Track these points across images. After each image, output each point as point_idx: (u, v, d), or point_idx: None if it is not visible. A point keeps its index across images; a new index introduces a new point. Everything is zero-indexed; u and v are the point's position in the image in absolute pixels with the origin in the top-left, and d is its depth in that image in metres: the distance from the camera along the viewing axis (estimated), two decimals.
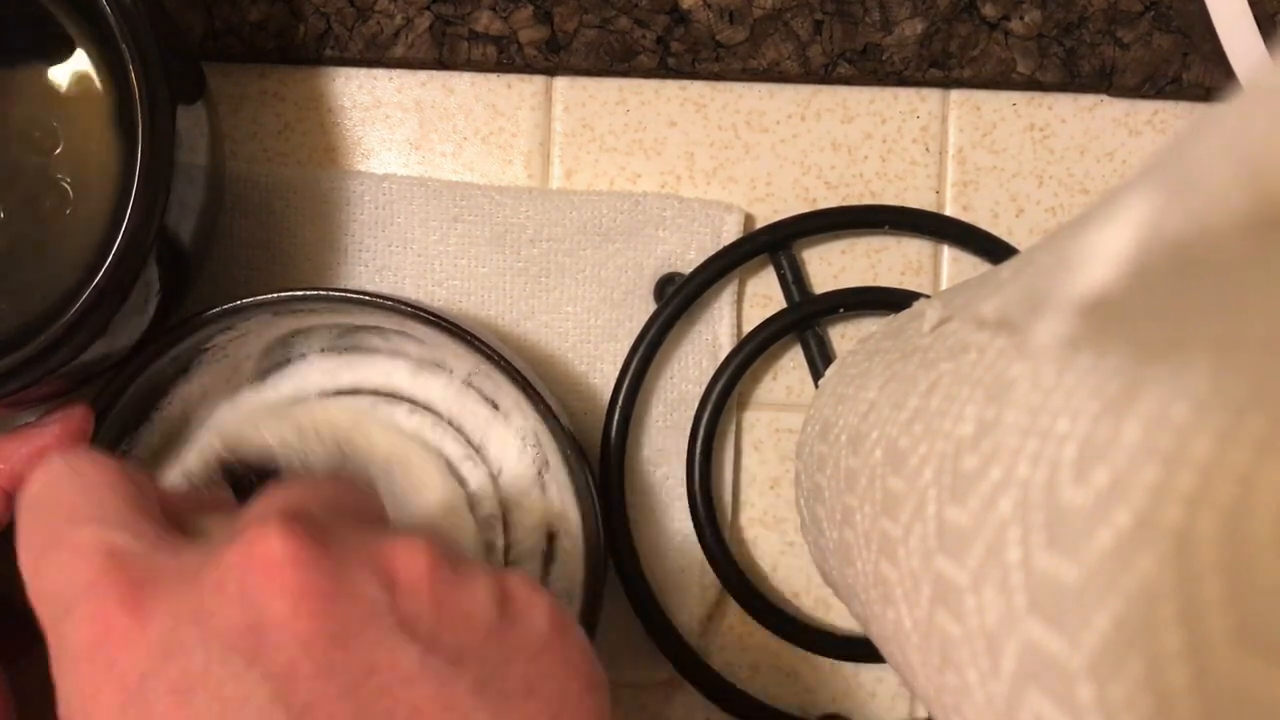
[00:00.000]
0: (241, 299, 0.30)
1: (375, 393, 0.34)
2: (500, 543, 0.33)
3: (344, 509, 0.23)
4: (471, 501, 0.33)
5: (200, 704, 0.18)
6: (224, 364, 0.33)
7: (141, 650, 0.19)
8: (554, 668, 0.21)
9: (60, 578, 0.20)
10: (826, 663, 0.36)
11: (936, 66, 0.36)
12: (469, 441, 0.34)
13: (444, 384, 0.34)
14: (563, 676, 0.21)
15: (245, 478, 0.32)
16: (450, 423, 0.34)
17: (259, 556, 0.19)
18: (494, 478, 0.34)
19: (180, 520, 0.23)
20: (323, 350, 0.34)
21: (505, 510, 0.33)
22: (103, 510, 0.21)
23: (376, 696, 0.19)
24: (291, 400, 0.34)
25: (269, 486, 0.23)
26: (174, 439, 0.33)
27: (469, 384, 0.34)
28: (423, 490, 0.32)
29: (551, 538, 0.33)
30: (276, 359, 0.34)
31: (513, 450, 0.34)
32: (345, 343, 0.34)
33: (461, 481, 0.34)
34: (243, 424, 0.32)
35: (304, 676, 0.18)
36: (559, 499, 0.33)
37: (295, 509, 0.21)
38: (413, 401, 0.34)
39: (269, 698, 0.18)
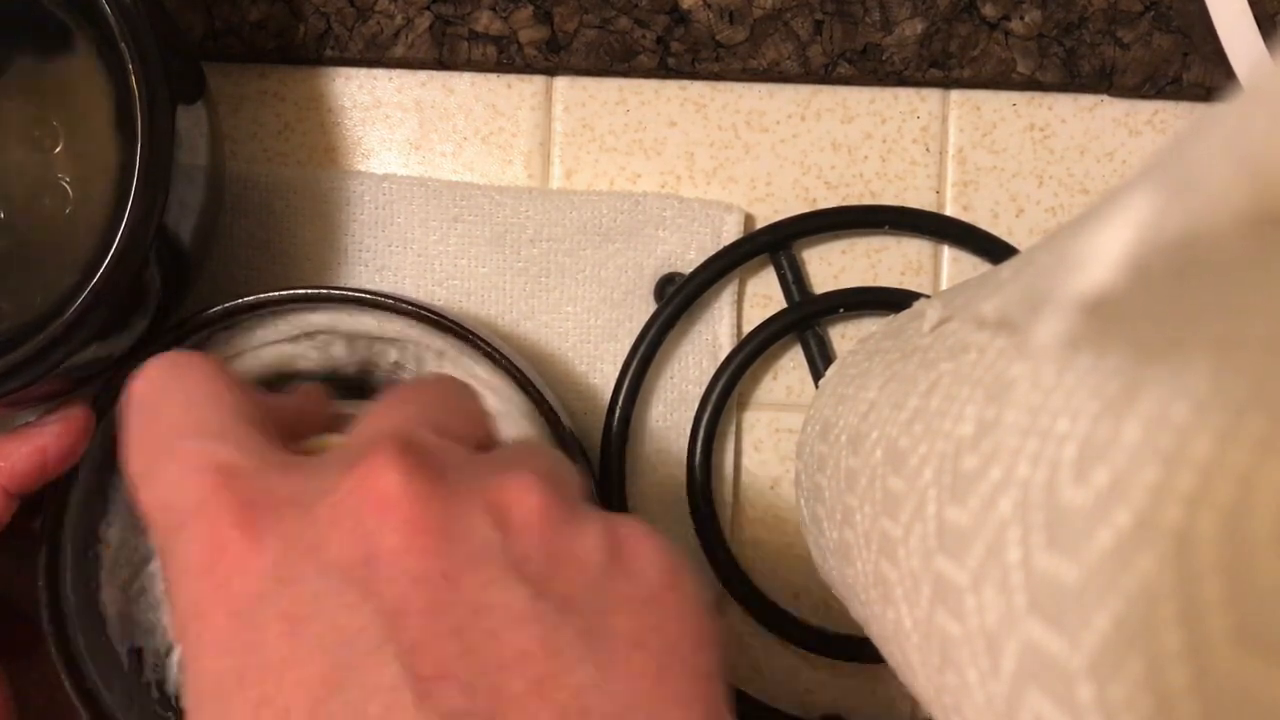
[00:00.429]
0: (241, 299, 0.30)
1: (373, 390, 0.34)
2: None
3: (453, 425, 0.23)
4: None
5: (311, 632, 0.18)
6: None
7: (255, 574, 0.18)
8: (663, 620, 0.20)
9: (170, 492, 0.20)
10: (826, 663, 0.36)
11: (936, 66, 0.36)
12: None
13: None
14: (671, 629, 0.20)
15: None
16: None
17: (374, 490, 0.19)
18: None
19: (290, 431, 0.23)
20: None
21: None
22: (210, 422, 0.21)
23: (484, 637, 0.18)
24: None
25: (377, 396, 0.23)
26: None
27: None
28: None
29: None
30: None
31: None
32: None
33: None
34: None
35: (414, 612, 0.18)
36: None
37: (408, 436, 0.20)
38: None
39: (379, 631, 0.18)
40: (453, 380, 0.25)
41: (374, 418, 0.22)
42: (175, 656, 0.33)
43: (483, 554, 0.19)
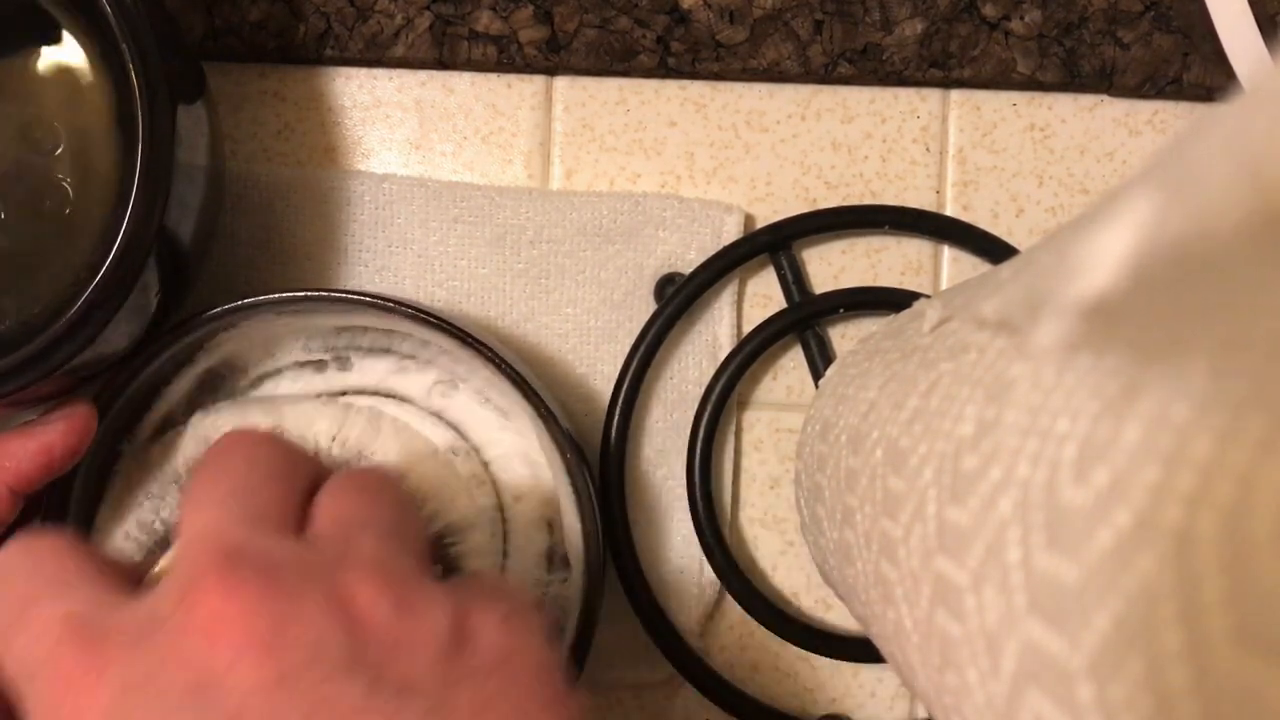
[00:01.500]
0: (242, 299, 0.30)
1: (374, 393, 0.34)
2: (500, 545, 0.33)
3: (267, 496, 0.23)
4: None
5: None
6: (218, 366, 0.33)
7: (96, 711, 0.19)
8: (507, 685, 0.21)
9: (25, 652, 0.21)
10: (826, 663, 0.36)
11: (936, 66, 0.36)
12: (467, 440, 0.34)
13: (442, 384, 0.34)
14: (517, 694, 0.21)
15: None
16: (448, 424, 0.34)
17: (199, 615, 0.20)
18: (491, 477, 0.34)
19: (134, 573, 0.24)
20: (312, 354, 0.34)
21: (503, 509, 0.33)
22: (57, 584, 0.22)
23: None
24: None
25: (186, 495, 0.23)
26: (172, 438, 0.33)
27: (468, 385, 0.34)
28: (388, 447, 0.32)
29: (551, 529, 0.33)
30: (267, 369, 0.34)
31: (511, 451, 0.34)
32: (340, 343, 0.34)
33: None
34: (215, 427, 0.32)
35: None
36: (557, 499, 0.33)
37: (226, 544, 0.21)
38: (406, 400, 0.34)
39: None
40: (248, 438, 0.25)
41: (187, 523, 0.23)
42: None
43: (316, 655, 0.20)
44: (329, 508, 0.23)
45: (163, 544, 0.33)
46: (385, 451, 0.32)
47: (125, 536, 0.33)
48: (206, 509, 0.23)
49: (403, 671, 0.20)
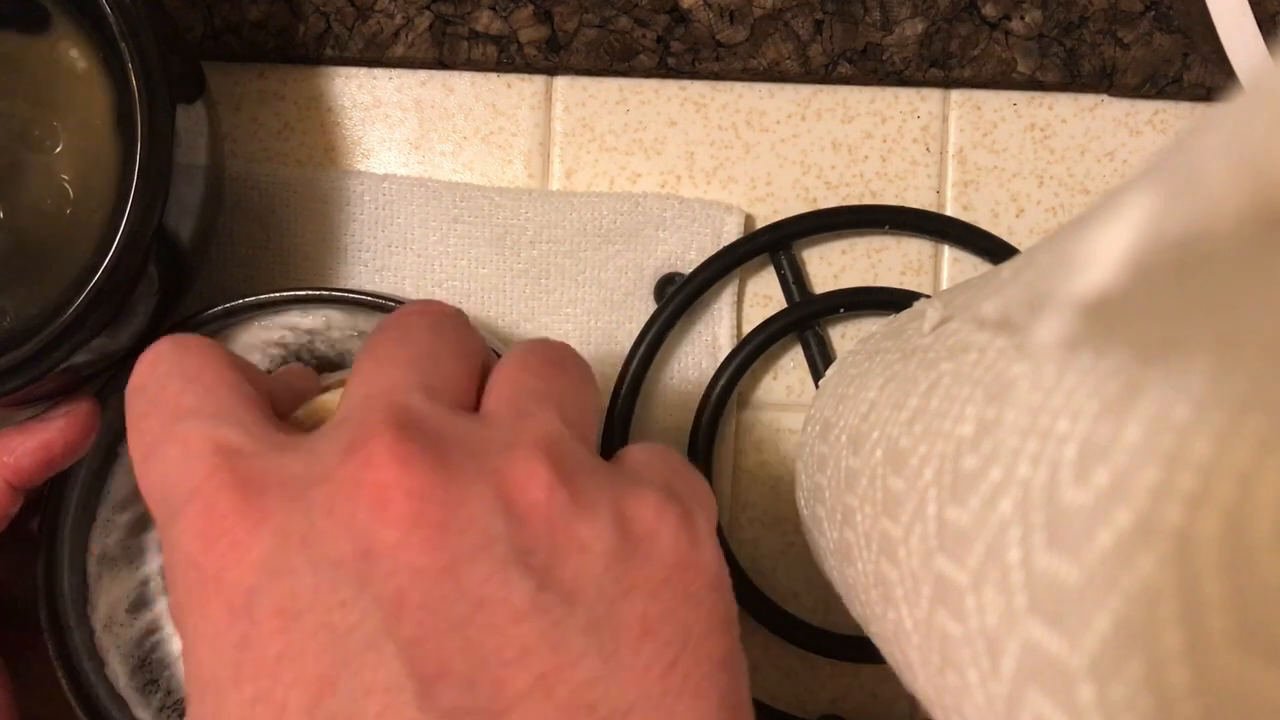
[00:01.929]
0: (241, 299, 0.30)
1: None
2: None
3: (447, 375, 0.21)
4: None
5: (306, 627, 0.18)
6: None
7: (249, 565, 0.18)
8: (675, 604, 0.19)
9: (169, 475, 0.19)
10: (826, 663, 0.36)
11: (937, 66, 0.36)
12: None
13: None
14: (685, 614, 0.19)
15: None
16: None
17: (369, 482, 0.18)
18: None
19: (291, 408, 0.23)
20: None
21: None
22: (210, 403, 0.20)
23: (485, 633, 0.18)
24: None
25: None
26: None
27: None
28: None
29: None
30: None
31: None
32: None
33: None
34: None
35: (412, 607, 0.18)
36: None
37: (402, 410, 0.20)
38: None
39: (377, 627, 0.17)
40: (437, 309, 0.24)
41: (363, 377, 0.21)
42: (168, 653, 0.33)
43: (484, 546, 0.18)
44: (508, 381, 0.22)
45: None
46: None
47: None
48: (386, 367, 0.21)
49: (571, 575, 0.19)
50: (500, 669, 0.18)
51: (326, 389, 0.26)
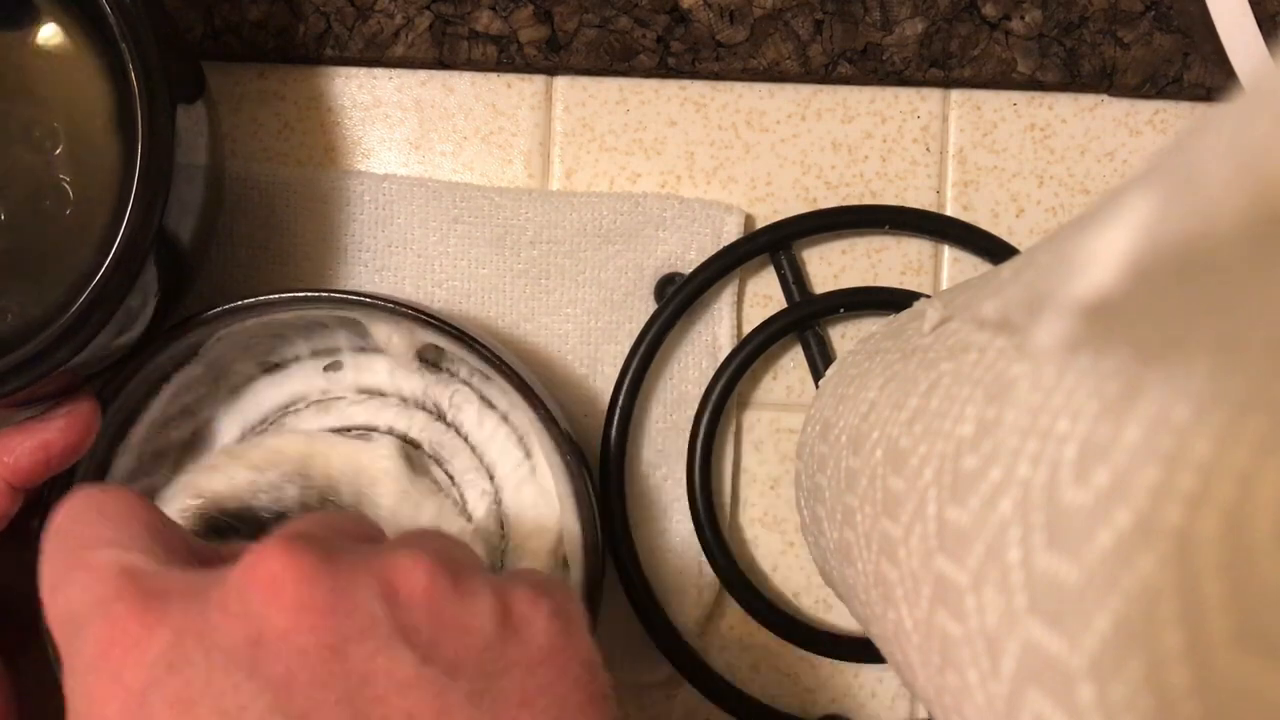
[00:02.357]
0: (241, 299, 0.30)
1: (369, 392, 0.34)
2: (499, 543, 0.33)
3: (346, 531, 0.24)
4: (463, 501, 0.33)
5: (201, 715, 0.19)
6: (217, 365, 0.33)
7: (146, 662, 0.19)
8: (553, 679, 0.21)
9: (77, 597, 0.21)
10: (826, 663, 0.36)
11: (937, 66, 0.36)
12: (466, 442, 0.34)
13: (443, 385, 0.34)
14: (562, 688, 0.21)
15: (231, 529, 0.32)
16: (448, 424, 0.34)
17: (261, 573, 0.20)
18: (490, 477, 0.34)
19: (198, 553, 0.24)
20: (314, 353, 0.34)
21: (501, 508, 0.33)
22: (121, 535, 0.22)
23: (372, 704, 0.19)
24: (261, 421, 0.34)
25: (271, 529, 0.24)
26: (171, 438, 0.33)
27: (468, 385, 0.34)
28: (380, 492, 0.32)
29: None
30: (270, 361, 0.34)
31: (510, 452, 0.34)
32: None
33: (455, 483, 0.34)
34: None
35: (301, 685, 0.19)
36: (557, 499, 0.33)
37: (298, 531, 0.21)
38: (404, 399, 0.34)
39: (267, 706, 0.19)
40: (349, 511, 0.27)
41: (274, 531, 0.23)
42: None
43: (369, 626, 0.20)
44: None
45: None
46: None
47: None
48: (285, 526, 0.23)
49: (453, 653, 0.20)
50: None
51: None
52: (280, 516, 0.32)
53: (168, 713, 0.19)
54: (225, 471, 0.32)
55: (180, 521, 0.32)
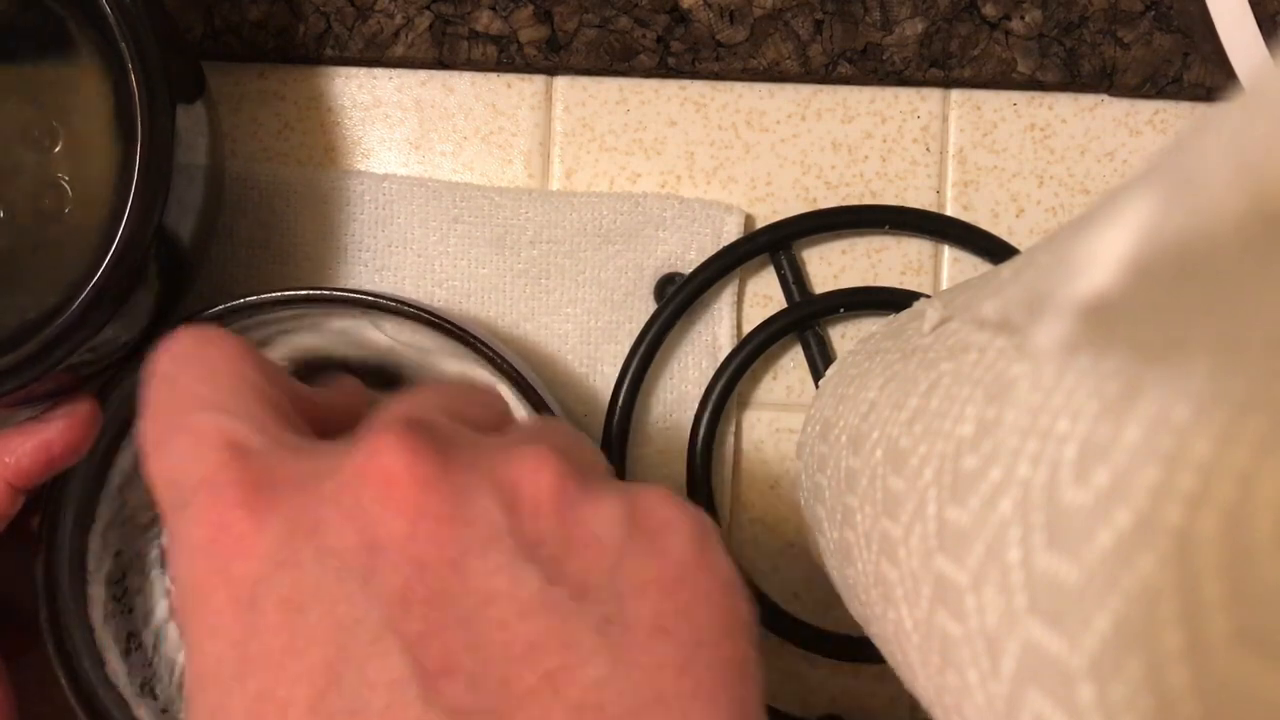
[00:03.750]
0: (241, 299, 0.30)
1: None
2: None
3: (469, 413, 0.22)
4: None
5: (311, 620, 0.17)
6: None
7: (256, 557, 0.18)
8: (689, 603, 0.18)
9: (180, 465, 0.19)
10: (826, 663, 0.36)
11: (937, 66, 0.36)
12: None
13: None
14: (697, 614, 0.18)
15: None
16: None
17: (376, 471, 0.18)
18: None
19: (324, 424, 0.22)
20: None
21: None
22: (227, 398, 0.20)
23: (493, 628, 0.17)
24: None
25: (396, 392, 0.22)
26: None
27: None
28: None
29: None
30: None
31: None
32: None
33: None
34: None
35: (418, 602, 0.17)
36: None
37: (417, 416, 0.20)
38: None
39: (381, 622, 0.17)
40: (478, 384, 0.25)
41: (390, 405, 0.21)
42: (166, 652, 0.33)
43: (492, 538, 0.18)
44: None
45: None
46: None
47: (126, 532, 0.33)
48: (402, 402, 0.21)
49: (581, 569, 0.18)
50: (506, 666, 0.17)
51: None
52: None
53: (276, 612, 0.17)
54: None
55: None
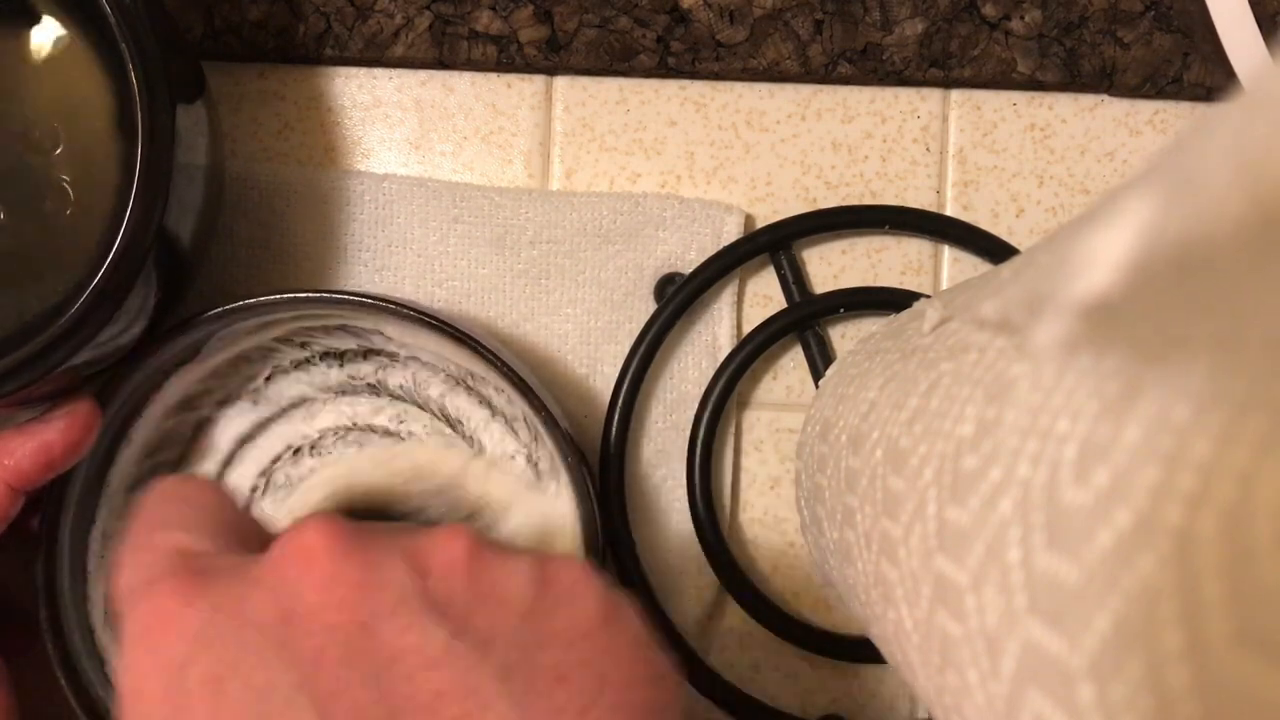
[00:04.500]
0: (241, 299, 0.30)
1: (372, 390, 0.34)
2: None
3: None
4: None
5: (231, 692, 0.19)
6: (221, 364, 0.33)
7: (184, 638, 0.19)
8: (593, 655, 0.20)
9: (135, 574, 0.21)
10: (826, 663, 0.36)
11: (937, 66, 0.36)
12: (465, 439, 0.34)
13: (442, 386, 0.34)
14: (602, 664, 0.20)
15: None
16: (448, 423, 0.34)
17: (297, 548, 0.20)
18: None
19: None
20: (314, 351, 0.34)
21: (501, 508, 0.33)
22: (190, 518, 0.22)
23: (399, 682, 0.19)
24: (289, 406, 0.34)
25: None
26: (172, 439, 0.33)
27: (468, 386, 0.34)
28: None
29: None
30: (274, 363, 0.34)
31: (510, 452, 0.34)
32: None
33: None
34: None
35: (329, 663, 0.19)
36: (556, 500, 0.33)
37: (330, 518, 0.21)
38: (405, 400, 0.34)
39: (294, 685, 0.18)
40: None
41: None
42: None
43: (402, 600, 0.20)
44: None
45: None
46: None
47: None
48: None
49: (487, 624, 0.20)
50: (413, 716, 0.19)
51: None
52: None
53: (201, 689, 0.19)
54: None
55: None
